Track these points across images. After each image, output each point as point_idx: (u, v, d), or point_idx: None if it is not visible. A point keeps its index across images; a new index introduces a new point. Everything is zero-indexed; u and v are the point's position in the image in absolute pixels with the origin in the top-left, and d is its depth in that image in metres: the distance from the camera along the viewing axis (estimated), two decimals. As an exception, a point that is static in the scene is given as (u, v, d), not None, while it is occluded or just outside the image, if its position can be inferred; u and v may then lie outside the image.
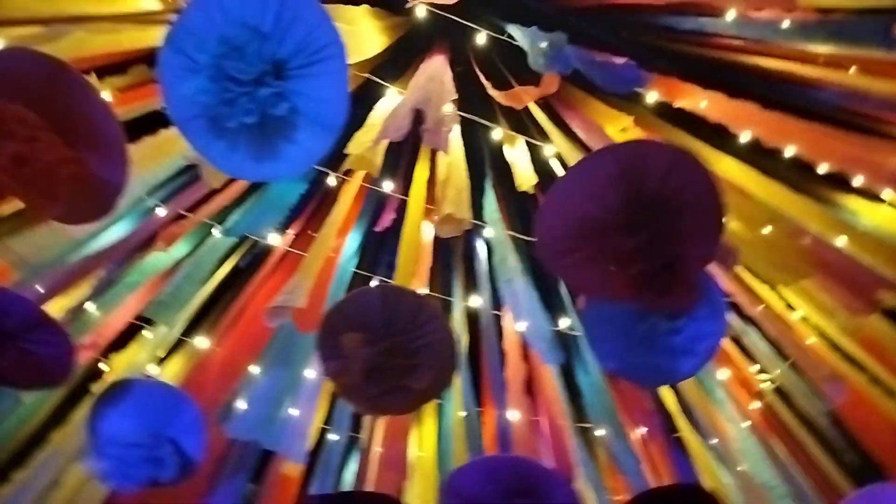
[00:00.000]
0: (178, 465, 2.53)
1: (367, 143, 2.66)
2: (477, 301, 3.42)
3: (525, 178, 3.07)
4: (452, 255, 3.71)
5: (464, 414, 3.54)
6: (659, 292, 1.94)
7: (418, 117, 2.53)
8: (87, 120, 1.90)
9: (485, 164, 3.41)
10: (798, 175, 3.07)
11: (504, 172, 3.35)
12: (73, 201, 1.95)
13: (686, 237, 1.90)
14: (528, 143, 3.21)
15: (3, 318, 2.19)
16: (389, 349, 2.13)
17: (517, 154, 3.19)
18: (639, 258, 1.88)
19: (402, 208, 3.26)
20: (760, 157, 3.02)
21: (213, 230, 3.20)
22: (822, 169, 3.04)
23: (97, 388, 3.41)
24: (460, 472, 2.52)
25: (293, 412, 3.02)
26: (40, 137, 1.85)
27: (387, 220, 3.25)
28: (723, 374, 3.70)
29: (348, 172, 3.19)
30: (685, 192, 1.86)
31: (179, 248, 3.30)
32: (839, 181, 3.14)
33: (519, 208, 3.46)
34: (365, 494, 2.84)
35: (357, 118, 3.12)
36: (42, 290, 2.71)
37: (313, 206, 3.61)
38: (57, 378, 2.46)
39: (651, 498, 2.51)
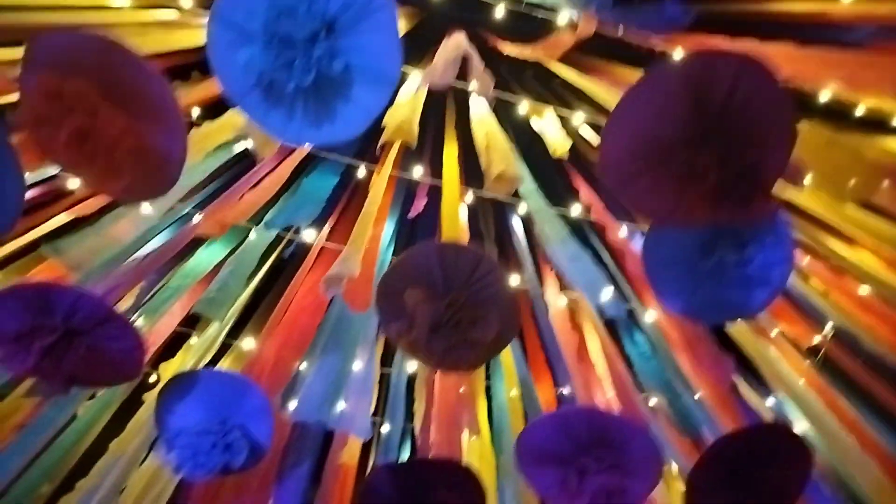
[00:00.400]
0: (248, 450, 2.53)
1: (403, 114, 2.62)
2: (515, 279, 3.39)
3: (559, 143, 3.04)
4: (485, 238, 3.69)
5: (515, 393, 3.52)
6: (737, 204, 1.87)
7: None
8: (142, 93, 1.91)
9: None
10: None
11: (528, 148, 3.34)
12: (136, 176, 1.96)
13: (759, 145, 1.84)
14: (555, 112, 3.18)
15: (71, 314, 2.19)
16: (453, 303, 2.12)
17: (546, 123, 3.15)
18: (713, 170, 1.82)
19: (432, 193, 3.27)
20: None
21: (252, 230, 3.20)
22: (861, 110, 2.96)
23: (149, 397, 3.47)
24: (532, 428, 2.49)
25: (351, 392, 2.99)
26: (100, 111, 1.87)
27: (419, 205, 3.23)
28: (774, 330, 3.63)
29: (379, 159, 3.21)
30: (754, 99, 1.81)
31: (217, 251, 3.33)
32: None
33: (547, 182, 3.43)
34: (431, 462, 2.81)
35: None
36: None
37: (344, 200, 3.63)
38: (127, 373, 2.46)
39: (733, 441, 2.46)
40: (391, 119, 2.71)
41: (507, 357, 3.45)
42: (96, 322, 2.23)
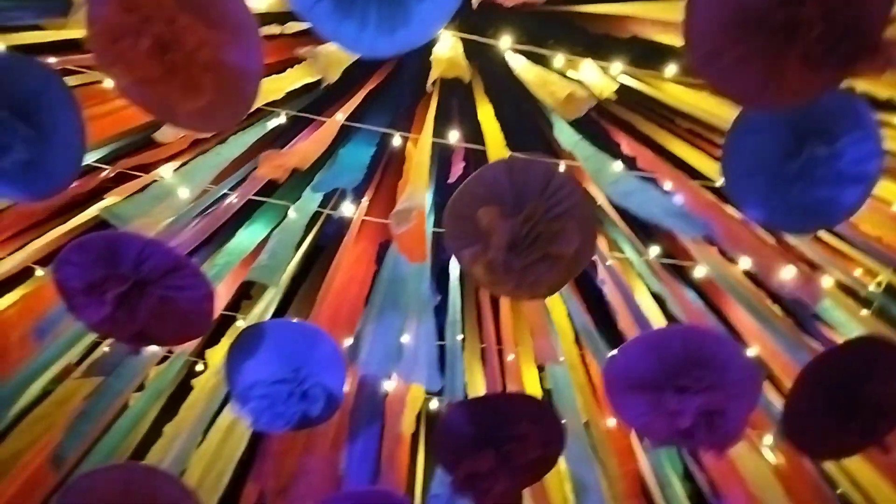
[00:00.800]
0: (324, 399, 2.48)
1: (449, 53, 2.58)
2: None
3: (603, 86, 2.97)
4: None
5: (562, 359, 3.45)
6: (841, 64, 1.78)
7: None
8: (217, 4, 1.87)
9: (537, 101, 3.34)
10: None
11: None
12: (214, 93, 1.92)
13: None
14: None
15: (140, 263, 2.15)
16: (529, 217, 2.05)
17: (585, 72, 3.09)
18: (815, 25, 1.72)
19: (469, 156, 3.23)
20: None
21: (291, 208, 3.17)
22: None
23: (198, 383, 3.45)
24: (622, 353, 2.39)
25: (414, 346, 2.94)
26: (178, 19, 1.83)
27: (458, 169, 3.18)
28: (827, 280, 3.52)
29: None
30: None
31: (258, 231, 3.30)
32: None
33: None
34: (507, 395, 2.73)
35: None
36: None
37: (380, 174, 3.60)
38: (197, 327, 2.41)
39: (826, 360, 2.34)
40: (438, 55, 2.67)
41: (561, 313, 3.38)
42: (165, 270, 2.18)
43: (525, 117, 3.39)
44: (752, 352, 3.04)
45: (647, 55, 3.21)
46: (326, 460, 2.90)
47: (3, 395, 2.83)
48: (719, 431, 2.25)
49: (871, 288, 3.63)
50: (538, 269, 2.12)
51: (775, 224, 2.40)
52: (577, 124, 3.16)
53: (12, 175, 2.11)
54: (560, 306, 3.33)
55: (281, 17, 2.91)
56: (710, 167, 3.03)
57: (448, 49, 2.77)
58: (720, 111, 2.80)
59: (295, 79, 2.93)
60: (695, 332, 2.40)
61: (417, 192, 2.57)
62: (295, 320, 2.96)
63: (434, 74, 2.75)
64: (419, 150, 2.90)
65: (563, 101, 2.67)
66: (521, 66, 3.00)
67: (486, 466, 2.41)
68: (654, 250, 3.43)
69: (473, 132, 3.30)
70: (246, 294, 3.86)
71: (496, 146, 2.96)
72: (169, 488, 2.39)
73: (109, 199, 3.09)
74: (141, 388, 3.42)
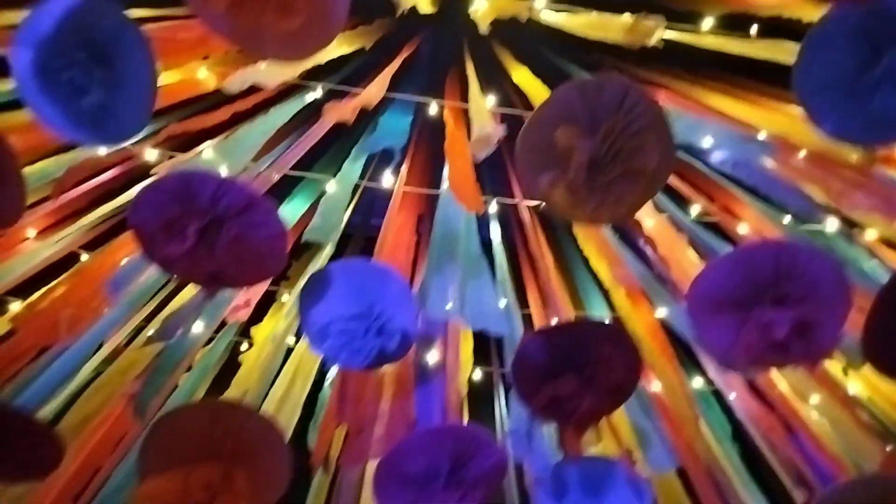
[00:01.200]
0: (399, 336, 2.47)
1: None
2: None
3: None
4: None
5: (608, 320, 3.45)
6: None
7: None
8: None
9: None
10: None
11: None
12: (308, 14, 1.92)
13: None
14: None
15: (216, 200, 2.14)
16: (608, 134, 2.02)
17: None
18: None
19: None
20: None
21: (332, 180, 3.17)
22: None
23: (246, 358, 3.48)
24: (705, 273, 2.34)
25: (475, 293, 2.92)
26: None
27: (497, 132, 3.15)
28: (870, 233, 3.48)
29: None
30: None
31: (299, 205, 3.32)
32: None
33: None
34: (584, 322, 2.71)
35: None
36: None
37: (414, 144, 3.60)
38: (271, 266, 2.40)
39: None
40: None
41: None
42: (241, 208, 2.16)
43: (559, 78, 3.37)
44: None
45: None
46: (399, 406, 2.90)
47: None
48: (814, 344, 2.22)
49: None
50: (620, 186, 2.09)
51: (854, 137, 2.31)
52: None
53: (87, 118, 2.09)
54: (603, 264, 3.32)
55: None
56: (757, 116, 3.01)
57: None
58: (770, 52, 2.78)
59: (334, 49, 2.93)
60: (787, 245, 2.33)
61: (486, 121, 2.53)
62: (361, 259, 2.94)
63: (487, 18, 2.73)
64: (473, 100, 2.88)
65: (630, 28, 2.64)
66: (563, 17, 2.98)
67: (568, 389, 2.39)
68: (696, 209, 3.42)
69: (504, 98, 3.32)
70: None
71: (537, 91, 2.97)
72: (252, 422, 2.39)
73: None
74: (189, 368, 3.45)
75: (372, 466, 2.76)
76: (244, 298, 3.22)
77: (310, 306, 2.52)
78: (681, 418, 3.17)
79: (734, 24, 3.16)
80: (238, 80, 2.74)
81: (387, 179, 3.34)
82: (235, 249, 2.19)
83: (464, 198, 2.75)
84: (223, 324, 3.46)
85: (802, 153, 2.90)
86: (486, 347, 3.78)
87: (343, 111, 2.83)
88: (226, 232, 2.16)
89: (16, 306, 3.29)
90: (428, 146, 3.52)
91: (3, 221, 2.27)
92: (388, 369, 2.89)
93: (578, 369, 2.42)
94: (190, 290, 3.21)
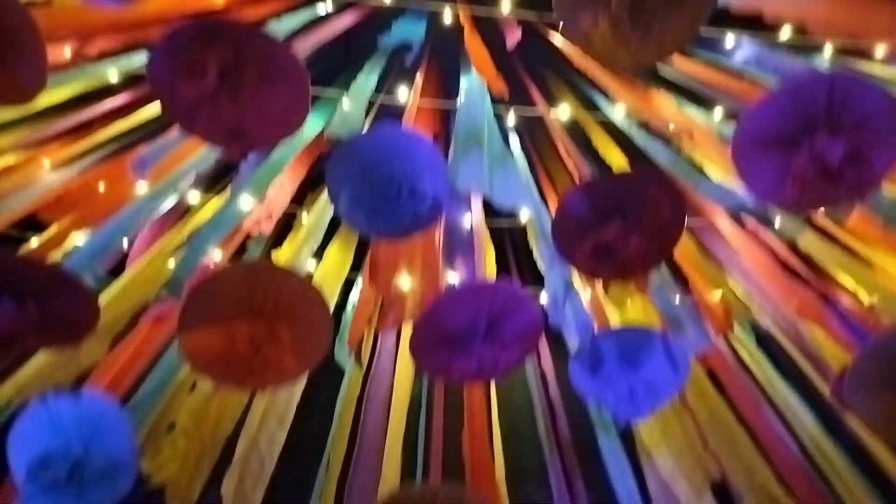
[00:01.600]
0: (431, 200, 2.35)
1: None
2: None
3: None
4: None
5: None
6: None
7: None
8: None
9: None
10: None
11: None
12: None
13: None
14: None
15: (237, 43, 2.02)
16: None
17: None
18: None
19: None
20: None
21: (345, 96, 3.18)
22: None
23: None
24: (755, 109, 2.21)
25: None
26: None
27: (515, 36, 3.17)
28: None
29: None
30: None
31: (315, 122, 3.32)
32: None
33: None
34: (626, 173, 2.64)
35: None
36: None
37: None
38: (294, 117, 2.26)
39: None
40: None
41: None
42: (260, 53, 2.05)
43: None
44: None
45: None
46: (431, 269, 2.87)
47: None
48: (867, 172, 2.18)
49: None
50: (663, 16, 2.03)
51: None
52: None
53: None
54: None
55: None
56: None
57: None
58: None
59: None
60: (841, 76, 2.22)
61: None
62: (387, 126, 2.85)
63: None
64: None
65: None
66: None
67: (613, 233, 2.32)
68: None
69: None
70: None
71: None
72: (292, 282, 2.36)
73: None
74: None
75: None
76: (266, 211, 3.19)
77: (338, 178, 2.44)
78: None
79: None
80: None
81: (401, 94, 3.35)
82: (257, 98, 2.09)
83: (490, 78, 2.72)
84: (244, 247, 3.45)
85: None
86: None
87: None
88: (248, 77, 2.05)
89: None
90: (441, 61, 3.54)
91: (25, 94, 2.24)
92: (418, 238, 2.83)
93: (623, 213, 2.34)
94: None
